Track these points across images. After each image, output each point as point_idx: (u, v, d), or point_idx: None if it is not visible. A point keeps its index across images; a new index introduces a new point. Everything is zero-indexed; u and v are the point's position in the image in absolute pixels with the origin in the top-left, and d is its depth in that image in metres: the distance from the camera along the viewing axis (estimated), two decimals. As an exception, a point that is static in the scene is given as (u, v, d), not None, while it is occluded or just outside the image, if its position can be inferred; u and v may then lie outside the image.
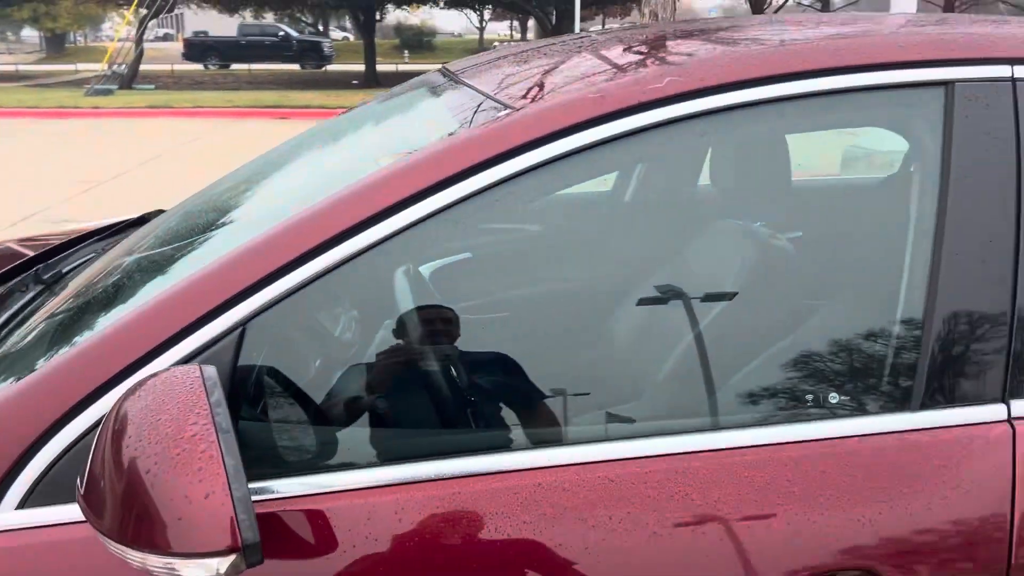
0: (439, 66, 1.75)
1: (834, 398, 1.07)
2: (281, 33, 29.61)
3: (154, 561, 0.76)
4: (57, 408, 0.93)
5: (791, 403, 1.09)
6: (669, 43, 1.35)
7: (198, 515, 0.75)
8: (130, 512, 0.77)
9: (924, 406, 1.04)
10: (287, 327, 1.02)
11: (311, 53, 28.94)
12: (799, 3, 28.21)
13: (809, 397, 1.08)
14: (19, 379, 0.99)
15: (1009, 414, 1.03)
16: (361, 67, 24.66)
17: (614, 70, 1.19)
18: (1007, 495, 1.01)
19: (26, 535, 0.93)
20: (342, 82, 22.66)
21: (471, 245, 1.74)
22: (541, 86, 1.19)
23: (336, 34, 52.86)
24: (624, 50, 1.36)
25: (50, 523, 0.93)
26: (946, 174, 1.07)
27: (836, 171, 4.02)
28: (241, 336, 0.95)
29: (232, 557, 0.75)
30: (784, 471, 0.99)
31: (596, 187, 1.96)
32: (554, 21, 28.74)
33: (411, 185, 1.00)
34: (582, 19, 26.25)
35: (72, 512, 0.92)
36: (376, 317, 1.27)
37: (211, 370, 0.86)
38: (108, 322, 1.01)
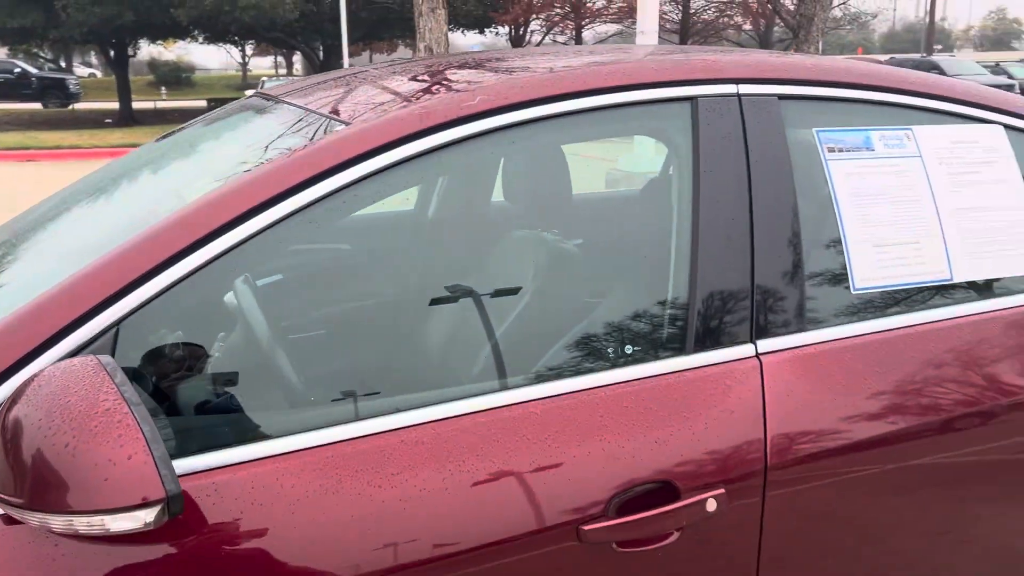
0: (251, 93, 1.87)
1: (629, 350, 1.32)
2: (17, 70, 27.24)
3: (81, 521, 0.84)
4: None
5: (599, 358, 1.34)
6: (468, 70, 1.57)
7: (123, 475, 0.84)
8: (49, 482, 0.84)
9: (695, 350, 1.32)
10: (144, 333, 1.11)
11: (54, 91, 26.86)
12: (554, 40, 30.12)
13: (611, 351, 1.32)
14: None
15: (756, 351, 1.34)
16: (114, 104, 23.23)
17: (429, 91, 1.39)
18: (760, 412, 1.30)
19: None
20: (94, 121, 21.21)
21: (290, 264, 1.86)
22: (370, 106, 1.37)
23: (81, 70, 49.22)
24: (431, 75, 1.57)
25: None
26: (697, 170, 1.38)
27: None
28: (111, 338, 1.04)
29: (158, 507, 0.85)
30: (596, 409, 1.23)
31: (404, 203, 2.13)
32: (322, 56, 28.61)
33: (248, 202, 1.13)
34: (349, 54, 26.31)
35: None
36: (215, 326, 1.37)
37: (108, 358, 0.94)
38: None
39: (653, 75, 1.40)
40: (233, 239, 1.11)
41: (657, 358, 1.31)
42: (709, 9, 27.23)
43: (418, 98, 1.34)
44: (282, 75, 47.28)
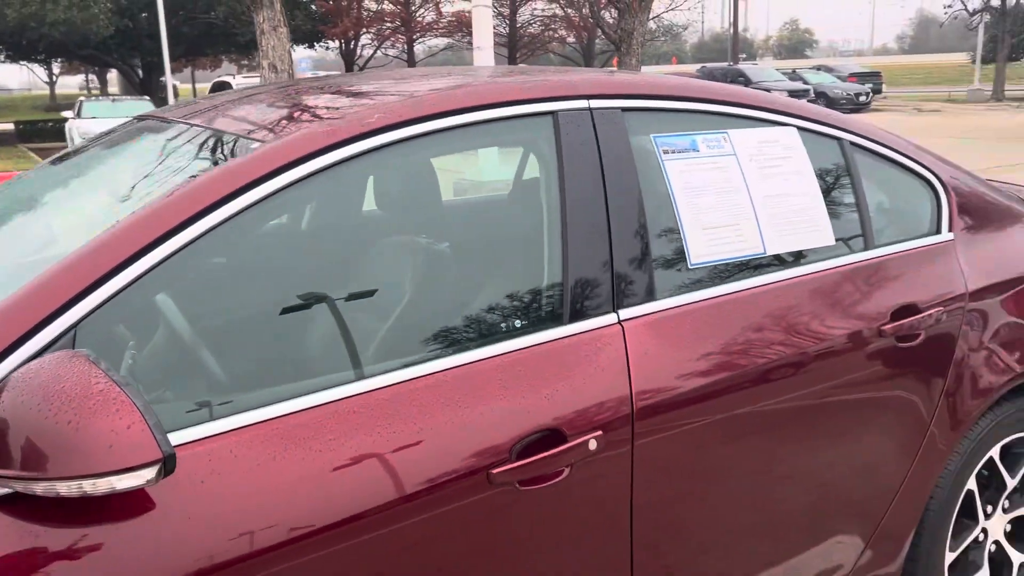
0: (142, 113, 1.98)
1: (518, 324, 1.57)
2: None
3: (91, 483, 0.98)
4: None
5: (496, 333, 1.57)
6: (358, 91, 1.78)
7: (125, 441, 0.99)
8: (55, 454, 0.98)
9: (571, 321, 1.59)
10: (99, 331, 1.25)
11: None
12: (386, 54, 30.20)
13: (503, 326, 1.57)
14: None
15: (619, 319, 1.63)
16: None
17: (328, 110, 1.59)
18: (625, 369, 1.59)
19: None
20: None
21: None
22: (274, 124, 1.54)
23: None
24: (322, 96, 1.76)
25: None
26: (561, 173, 1.65)
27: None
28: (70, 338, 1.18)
29: (157, 466, 1.01)
30: (495, 374, 1.47)
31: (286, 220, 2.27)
32: (141, 74, 27.31)
33: (174, 219, 1.28)
34: (172, 71, 25.29)
35: None
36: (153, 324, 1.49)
37: (87, 351, 1.09)
38: None
39: (520, 93, 1.66)
40: (158, 256, 1.27)
41: (541, 329, 1.57)
42: (535, 23, 28.26)
43: (325, 116, 1.53)
44: (95, 93, 44.57)
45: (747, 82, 27.41)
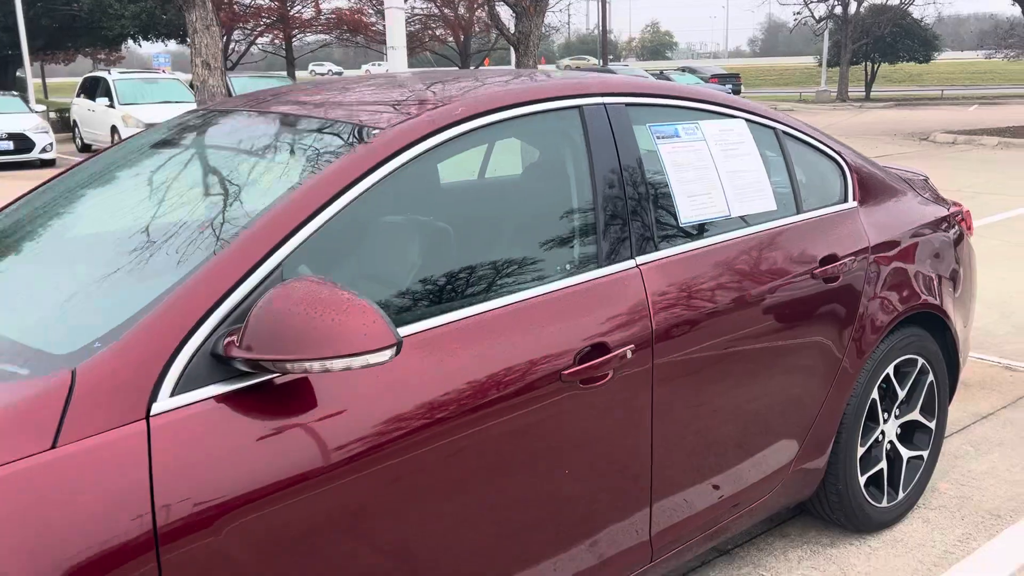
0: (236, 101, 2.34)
1: (569, 267, 2.06)
2: None
3: (357, 360, 1.41)
4: (191, 318, 1.47)
5: (559, 273, 2.04)
6: (442, 85, 2.19)
7: (374, 331, 1.41)
8: (329, 341, 1.40)
9: (604, 265, 2.08)
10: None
11: None
12: (261, 49, 29.69)
13: (559, 268, 2.05)
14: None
15: (636, 264, 2.14)
16: None
17: (418, 101, 2.02)
18: (644, 301, 2.10)
19: (179, 412, 1.45)
20: None
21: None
22: (390, 108, 1.97)
23: None
24: (399, 90, 2.19)
25: (192, 401, 1.46)
26: (590, 156, 2.14)
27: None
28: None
29: (394, 348, 1.44)
30: (559, 302, 1.95)
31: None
32: (-3, 68, 25.81)
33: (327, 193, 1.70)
34: (32, 64, 24.07)
35: (205, 392, 1.46)
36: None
37: (323, 276, 1.50)
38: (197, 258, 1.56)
39: (556, 91, 2.15)
40: (329, 213, 1.69)
41: (585, 272, 2.06)
42: (414, 22, 28.50)
43: (427, 105, 1.96)
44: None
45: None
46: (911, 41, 35.47)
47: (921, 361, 2.92)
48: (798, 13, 34.42)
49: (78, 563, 1.30)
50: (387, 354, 1.44)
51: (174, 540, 1.39)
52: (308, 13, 25.49)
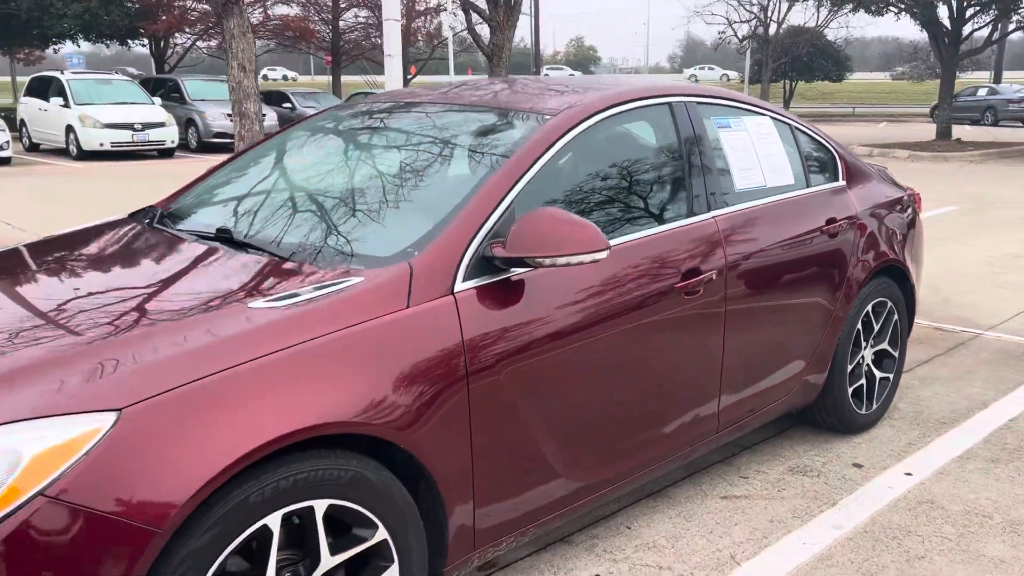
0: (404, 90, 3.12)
1: (671, 215, 2.90)
2: None
3: (588, 256, 2.21)
4: (471, 231, 2.26)
5: (663, 219, 2.88)
6: (565, 86, 3.01)
7: (598, 239, 2.22)
8: (571, 244, 2.19)
9: (690, 216, 2.93)
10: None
11: None
12: (206, 55, 29.63)
13: (666, 215, 2.89)
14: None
15: (713, 216, 2.99)
16: None
17: (562, 94, 2.84)
18: (721, 241, 2.96)
19: (468, 292, 2.23)
20: None
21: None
22: (550, 102, 2.77)
23: None
24: (544, 87, 3.00)
25: (473, 286, 2.25)
26: (678, 137, 3.00)
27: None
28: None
29: (608, 250, 2.25)
30: (667, 240, 2.79)
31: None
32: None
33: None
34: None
35: (479, 282, 2.25)
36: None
37: (555, 207, 2.31)
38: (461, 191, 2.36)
39: (650, 92, 3.00)
40: (534, 171, 2.49)
41: (680, 219, 2.91)
42: (356, 30, 29.05)
43: (578, 99, 2.77)
44: None
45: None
46: (826, 61, 37.77)
47: (889, 304, 3.87)
48: (722, 32, 36.31)
49: (427, 374, 2.08)
50: (603, 254, 2.26)
51: (484, 373, 2.18)
52: (256, 18, 25.73)
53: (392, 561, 2.07)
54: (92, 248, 2.80)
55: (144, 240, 2.77)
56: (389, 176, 2.71)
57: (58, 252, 2.76)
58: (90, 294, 2.32)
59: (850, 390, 3.73)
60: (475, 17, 11.37)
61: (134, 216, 3.13)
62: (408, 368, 2.08)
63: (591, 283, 2.52)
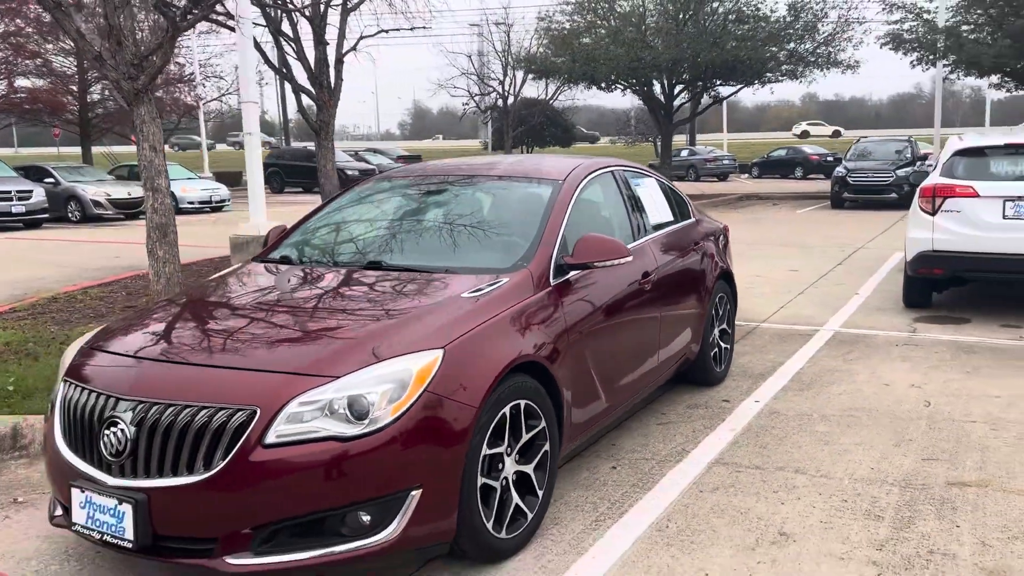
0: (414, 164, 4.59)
1: (633, 237, 4.63)
2: None
3: (617, 261, 3.85)
4: (551, 249, 3.84)
5: (652, 229, 4.59)
6: (556, 159, 4.65)
7: (622, 251, 3.88)
8: (605, 254, 3.84)
9: (634, 241, 4.68)
10: None
11: None
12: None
13: (631, 235, 4.60)
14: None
15: (644, 240, 4.76)
16: None
17: (563, 167, 4.49)
18: (653, 254, 4.74)
19: (557, 286, 3.80)
20: None
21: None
22: (553, 171, 4.39)
23: None
24: (541, 160, 4.62)
25: (558, 283, 3.82)
26: (620, 191, 4.76)
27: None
28: None
29: (630, 257, 3.90)
30: (638, 253, 4.52)
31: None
32: None
33: None
34: None
35: (558, 279, 3.83)
36: None
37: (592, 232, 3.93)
38: None
39: (602, 164, 4.73)
40: (570, 211, 4.13)
41: (634, 240, 4.63)
42: (108, 101, 28.24)
43: (562, 170, 4.43)
44: None
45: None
46: (555, 129, 42.43)
47: (726, 298, 5.88)
48: (467, 104, 39.60)
49: (551, 330, 3.60)
50: (629, 259, 3.92)
51: (568, 332, 3.72)
52: (-1, 89, 24.26)
53: (546, 441, 3.51)
54: (283, 280, 3.96)
55: (312, 272, 3.99)
56: (473, 220, 4.18)
57: (254, 289, 3.90)
58: (341, 302, 3.58)
59: (710, 356, 5.64)
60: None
61: (263, 258, 4.30)
62: (544, 327, 3.57)
63: (603, 280, 4.15)
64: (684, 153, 38.02)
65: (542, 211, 4.08)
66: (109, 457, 2.88)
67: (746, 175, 37.59)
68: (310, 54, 12.30)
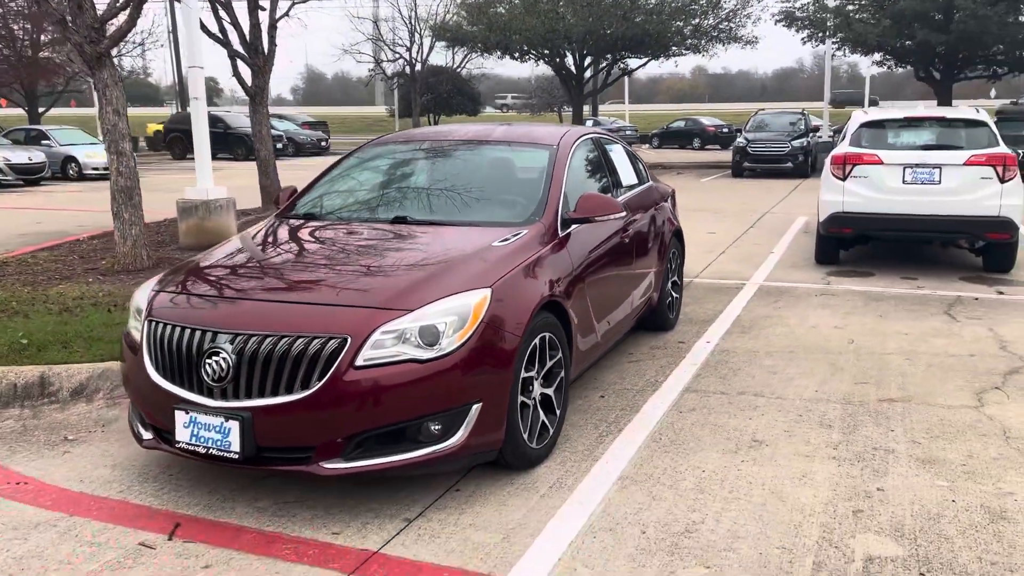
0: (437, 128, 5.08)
1: (619, 191, 5.25)
2: None
3: (614, 215, 4.45)
4: (557, 205, 4.43)
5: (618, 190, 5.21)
6: (548, 126, 5.20)
7: (618, 207, 4.48)
8: (603, 209, 4.45)
9: (617, 195, 5.32)
10: None
11: None
12: None
13: (619, 190, 5.23)
14: None
15: (619, 194, 5.40)
16: None
17: (555, 132, 5.05)
18: (624, 212, 5.40)
19: (566, 235, 4.40)
20: None
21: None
22: (547, 137, 4.95)
23: None
24: (532, 127, 5.17)
25: (566, 233, 4.41)
26: (601, 154, 5.36)
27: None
28: None
29: (625, 213, 4.51)
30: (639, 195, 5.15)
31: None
32: None
33: None
34: None
35: (565, 231, 4.42)
36: None
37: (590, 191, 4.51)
38: None
39: (585, 131, 5.33)
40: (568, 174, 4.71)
41: (618, 195, 5.26)
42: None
43: (555, 136, 5.01)
44: None
45: (227, 126, 30.34)
46: (462, 97, 42.68)
47: (676, 251, 6.60)
48: (371, 70, 39.34)
49: (563, 272, 4.20)
50: (623, 214, 4.53)
51: (574, 276, 4.32)
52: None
53: (562, 368, 4.11)
54: (323, 233, 4.40)
55: (348, 226, 4.45)
56: (482, 179, 4.71)
57: (299, 238, 4.33)
58: (387, 250, 4.04)
59: (666, 303, 6.36)
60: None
61: (284, 215, 4.71)
62: (559, 271, 4.16)
63: (595, 233, 4.75)
64: (589, 123, 39.01)
65: (544, 172, 4.64)
66: (212, 382, 3.31)
67: (647, 145, 38.91)
68: (243, 20, 12.35)
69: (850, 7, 25.51)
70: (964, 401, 4.80)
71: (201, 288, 3.74)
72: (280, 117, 36.19)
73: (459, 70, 38.81)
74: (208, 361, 3.32)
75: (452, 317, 3.42)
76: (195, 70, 9.83)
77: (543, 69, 28.69)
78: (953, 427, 4.40)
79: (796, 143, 21.62)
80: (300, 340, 3.27)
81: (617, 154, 5.75)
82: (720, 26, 24.10)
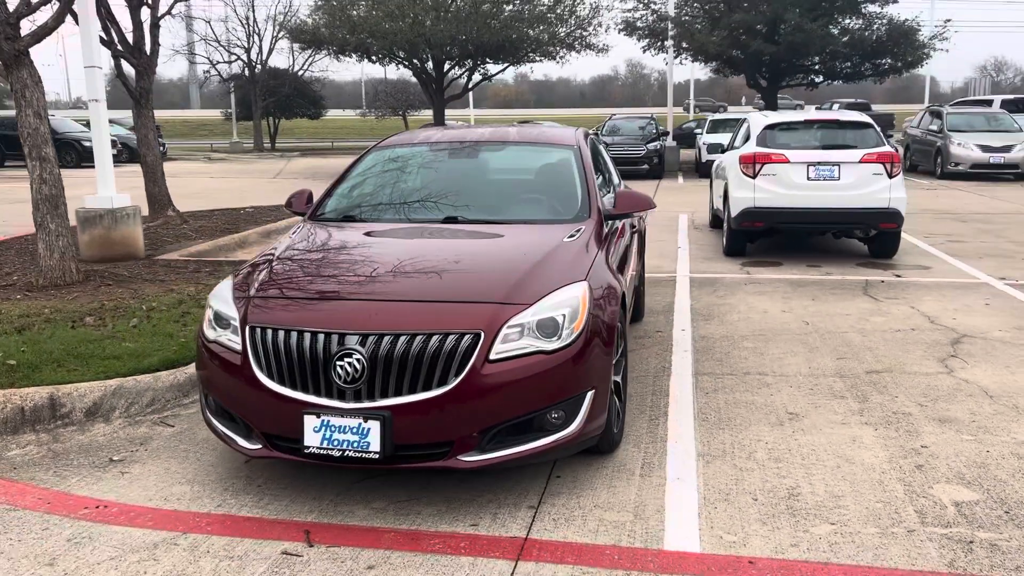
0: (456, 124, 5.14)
1: (609, 189, 5.51)
2: None
3: (648, 211, 4.70)
4: (597, 200, 4.65)
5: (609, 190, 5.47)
6: (537, 129, 5.37)
7: (651, 202, 4.75)
8: (638, 205, 4.70)
9: (611, 192, 5.59)
10: None
11: None
12: None
13: (609, 188, 5.48)
14: None
15: (615, 191, 5.69)
16: None
17: (565, 132, 5.25)
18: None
19: (606, 225, 4.62)
20: None
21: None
22: (559, 137, 5.14)
23: None
24: (532, 128, 5.34)
25: (609, 226, 4.63)
26: (595, 151, 5.62)
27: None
28: None
29: (655, 207, 4.77)
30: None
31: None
32: None
33: None
34: None
35: (607, 227, 4.64)
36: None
37: (624, 186, 4.74)
38: None
39: (585, 130, 5.56)
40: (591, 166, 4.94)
41: (611, 192, 5.52)
42: None
43: (567, 136, 5.20)
44: None
45: (54, 132, 27.95)
46: (303, 100, 41.54)
47: (642, 246, 6.97)
48: (207, 71, 37.52)
49: (620, 273, 4.42)
50: (655, 209, 4.80)
51: (617, 266, 4.56)
52: None
53: (625, 356, 4.33)
54: (384, 234, 4.40)
55: (403, 227, 4.46)
56: (516, 179, 4.83)
57: (364, 242, 4.27)
58: (468, 250, 4.13)
59: (641, 294, 6.71)
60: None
61: (313, 217, 4.64)
62: (615, 262, 4.37)
63: (619, 227, 5.00)
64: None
65: (574, 171, 4.84)
66: (344, 385, 3.26)
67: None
68: (123, 20, 11.61)
69: (686, 18, 27.26)
70: (935, 368, 5.45)
71: (305, 291, 3.65)
72: (112, 122, 33.76)
73: (300, 73, 37.82)
74: (340, 363, 3.27)
75: (567, 309, 3.54)
76: (93, 70, 9.17)
77: (374, 71, 28.66)
78: (942, 391, 5.00)
79: (650, 146, 22.82)
80: (436, 337, 3.30)
81: (606, 154, 6.04)
82: (574, 34, 25.04)
